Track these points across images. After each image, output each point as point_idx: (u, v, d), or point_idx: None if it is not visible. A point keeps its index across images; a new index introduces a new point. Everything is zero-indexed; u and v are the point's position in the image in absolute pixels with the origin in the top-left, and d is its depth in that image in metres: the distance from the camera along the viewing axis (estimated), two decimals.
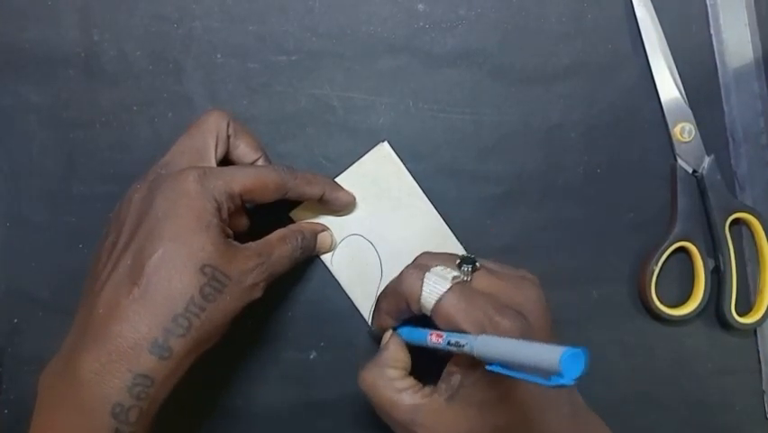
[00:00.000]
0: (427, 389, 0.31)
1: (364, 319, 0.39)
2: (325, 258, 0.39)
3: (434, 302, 0.30)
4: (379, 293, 0.36)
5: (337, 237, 0.39)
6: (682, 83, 0.40)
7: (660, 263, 0.39)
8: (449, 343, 0.29)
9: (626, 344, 0.40)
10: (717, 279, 0.40)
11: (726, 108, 0.41)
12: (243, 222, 0.36)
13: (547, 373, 0.22)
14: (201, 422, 0.40)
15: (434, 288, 0.30)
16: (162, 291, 0.28)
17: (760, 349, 0.40)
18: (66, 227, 0.39)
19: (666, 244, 0.39)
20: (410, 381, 0.32)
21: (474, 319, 0.29)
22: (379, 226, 0.39)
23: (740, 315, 0.39)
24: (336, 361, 0.40)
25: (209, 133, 0.34)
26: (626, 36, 0.40)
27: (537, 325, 0.31)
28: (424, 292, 0.31)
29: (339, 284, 0.39)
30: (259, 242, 0.33)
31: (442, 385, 0.31)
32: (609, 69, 0.40)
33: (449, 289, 0.30)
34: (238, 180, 0.31)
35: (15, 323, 0.39)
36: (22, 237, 0.40)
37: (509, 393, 0.30)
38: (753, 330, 0.40)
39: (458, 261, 0.32)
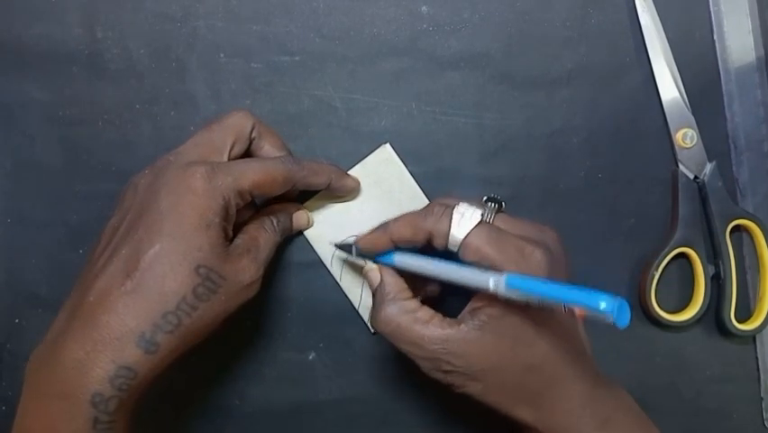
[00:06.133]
0: (450, 319, 0.31)
1: (364, 321, 0.39)
2: (325, 259, 0.39)
3: (463, 237, 0.30)
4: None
5: (338, 238, 0.39)
6: (685, 89, 0.40)
7: (660, 269, 0.39)
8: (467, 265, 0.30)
9: (625, 349, 0.40)
10: (717, 285, 0.40)
11: (728, 115, 0.41)
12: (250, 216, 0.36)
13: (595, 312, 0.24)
14: (199, 422, 0.40)
15: (463, 222, 0.31)
16: (155, 288, 0.29)
17: (759, 356, 0.40)
18: (67, 225, 0.39)
19: (667, 249, 0.39)
20: (429, 310, 0.32)
21: (506, 251, 0.29)
22: None
23: (740, 322, 0.40)
24: (335, 362, 0.40)
25: (229, 131, 0.34)
26: (629, 41, 0.40)
27: (560, 262, 0.31)
28: (453, 226, 0.31)
29: (339, 285, 0.39)
30: (242, 237, 0.33)
31: (468, 317, 0.31)
32: (612, 74, 0.40)
33: (478, 223, 0.30)
34: (247, 176, 0.31)
35: (15, 320, 0.39)
36: (22, 234, 0.40)
37: (545, 332, 0.30)
38: (752, 337, 0.41)
39: (484, 198, 0.33)
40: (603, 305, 0.23)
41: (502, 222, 0.32)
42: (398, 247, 0.34)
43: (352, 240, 0.36)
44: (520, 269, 0.29)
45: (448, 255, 0.32)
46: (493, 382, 0.31)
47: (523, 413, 0.31)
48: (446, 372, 0.31)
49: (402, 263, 0.34)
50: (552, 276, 0.28)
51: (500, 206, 0.33)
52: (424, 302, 0.33)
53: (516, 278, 0.27)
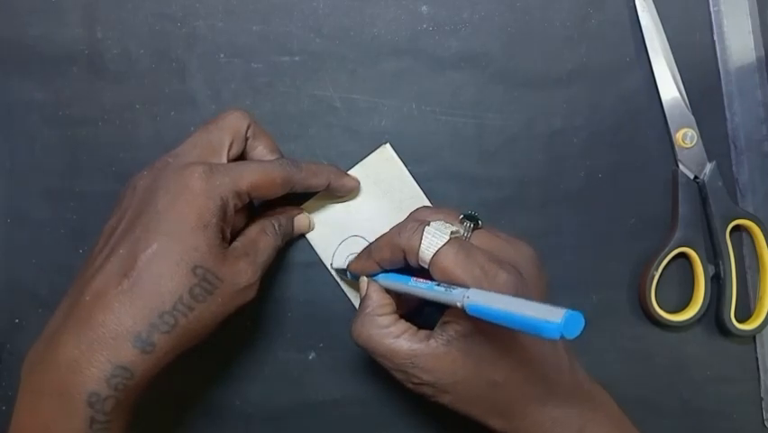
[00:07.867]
0: (422, 333, 0.32)
1: None
2: (326, 259, 0.39)
3: (431, 254, 0.30)
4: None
5: (338, 238, 0.39)
6: (685, 89, 0.40)
7: (660, 269, 0.39)
8: (437, 285, 0.30)
9: (625, 349, 0.40)
10: (717, 285, 0.40)
11: (728, 115, 0.41)
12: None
13: (544, 329, 0.23)
14: (199, 422, 0.40)
15: (433, 240, 0.30)
16: (151, 287, 0.28)
17: (759, 356, 0.40)
18: (67, 225, 0.39)
19: (667, 249, 0.39)
20: (403, 324, 0.32)
21: (471, 272, 0.29)
22: (381, 228, 0.39)
23: (739, 322, 0.40)
24: (335, 362, 0.40)
25: (226, 131, 0.34)
26: (629, 42, 0.40)
27: (532, 283, 0.31)
28: (422, 245, 0.31)
29: (339, 285, 0.39)
30: (241, 239, 0.33)
31: (438, 332, 0.31)
32: (612, 74, 0.40)
33: (447, 242, 0.30)
34: (245, 177, 0.31)
35: (15, 320, 0.39)
36: (23, 234, 0.40)
37: (508, 351, 0.30)
38: (752, 337, 0.41)
39: (461, 216, 0.33)
40: (547, 333, 0.22)
41: (478, 238, 0.32)
42: (387, 268, 0.34)
43: (345, 264, 0.37)
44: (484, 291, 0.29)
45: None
46: (461, 394, 0.31)
47: (494, 423, 0.32)
48: (416, 384, 0.31)
49: (384, 285, 0.34)
50: (519, 295, 0.27)
51: (476, 224, 0.33)
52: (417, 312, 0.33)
53: (475, 305, 0.26)
